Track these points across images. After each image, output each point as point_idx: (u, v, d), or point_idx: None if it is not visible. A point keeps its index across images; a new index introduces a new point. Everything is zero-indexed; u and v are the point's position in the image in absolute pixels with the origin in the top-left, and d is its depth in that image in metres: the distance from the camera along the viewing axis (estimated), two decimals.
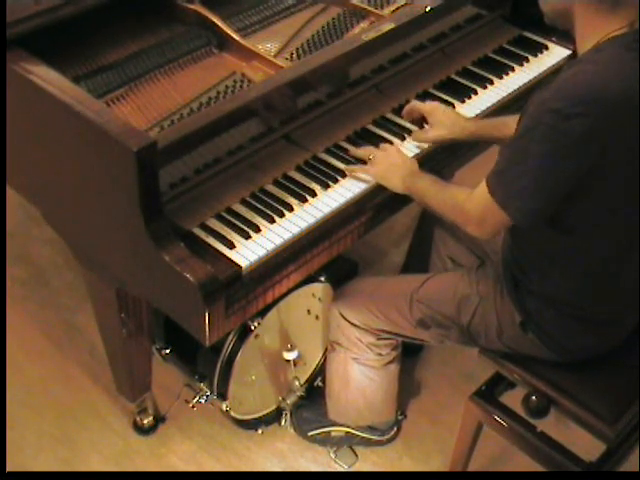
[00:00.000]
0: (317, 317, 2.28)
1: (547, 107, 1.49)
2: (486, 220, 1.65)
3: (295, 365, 2.20)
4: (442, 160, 2.00)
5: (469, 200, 1.67)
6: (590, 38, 1.56)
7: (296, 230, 1.74)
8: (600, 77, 1.49)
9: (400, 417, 2.32)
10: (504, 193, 1.58)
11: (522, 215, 1.59)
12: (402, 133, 2.00)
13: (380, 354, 2.10)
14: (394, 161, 1.85)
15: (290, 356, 2.14)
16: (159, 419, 2.33)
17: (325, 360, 2.25)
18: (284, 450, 2.31)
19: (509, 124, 1.79)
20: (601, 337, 1.81)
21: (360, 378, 2.14)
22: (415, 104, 2.02)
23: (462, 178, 2.66)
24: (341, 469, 2.26)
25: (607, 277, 1.73)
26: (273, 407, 2.32)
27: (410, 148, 1.96)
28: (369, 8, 2.14)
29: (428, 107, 1.99)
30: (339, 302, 2.07)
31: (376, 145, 1.93)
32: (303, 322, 2.25)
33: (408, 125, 2.02)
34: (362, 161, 1.89)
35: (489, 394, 1.95)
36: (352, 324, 2.05)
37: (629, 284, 1.77)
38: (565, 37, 2.29)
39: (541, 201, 1.57)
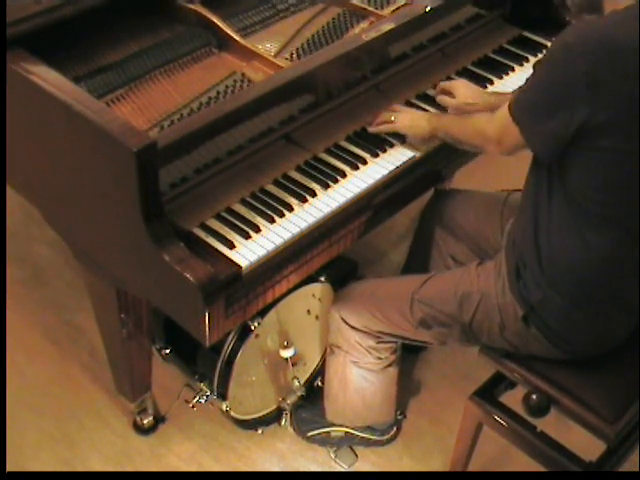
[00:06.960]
0: (317, 317, 2.28)
1: (562, 40, 1.57)
2: (504, 138, 1.72)
3: (294, 365, 2.20)
4: (441, 160, 2.01)
5: (490, 121, 1.76)
6: None
7: (296, 230, 1.74)
8: (616, 28, 1.55)
9: (400, 417, 2.32)
10: (518, 110, 1.66)
11: (531, 133, 1.64)
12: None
13: (379, 358, 2.10)
14: (415, 113, 2.00)
15: (287, 353, 2.14)
16: (159, 419, 2.33)
17: (324, 361, 2.25)
18: (284, 450, 2.31)
19: None
20: (604, 330, 1.81)
21: (359, 381, 2.14)
22: (443, 83, 2.08)
23: (462, 178, 2.67)
24: (341, 469, 2.26)
25: (611, 261, 1.71)
26: (273, 407, 2.32)
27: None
28: (369, 8, 2.14)
29: (453, 82, 2.07)
30: (339, 305, 2.07)
31: (377, 146, 1.94)
32: (303, 322, 2.25)
33: None
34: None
35: (489, 394, 1.95)
36: (352, 327, 2.05)
37: (630, 274, 1.76)
38: None
39: (546, 125, 1.59)
